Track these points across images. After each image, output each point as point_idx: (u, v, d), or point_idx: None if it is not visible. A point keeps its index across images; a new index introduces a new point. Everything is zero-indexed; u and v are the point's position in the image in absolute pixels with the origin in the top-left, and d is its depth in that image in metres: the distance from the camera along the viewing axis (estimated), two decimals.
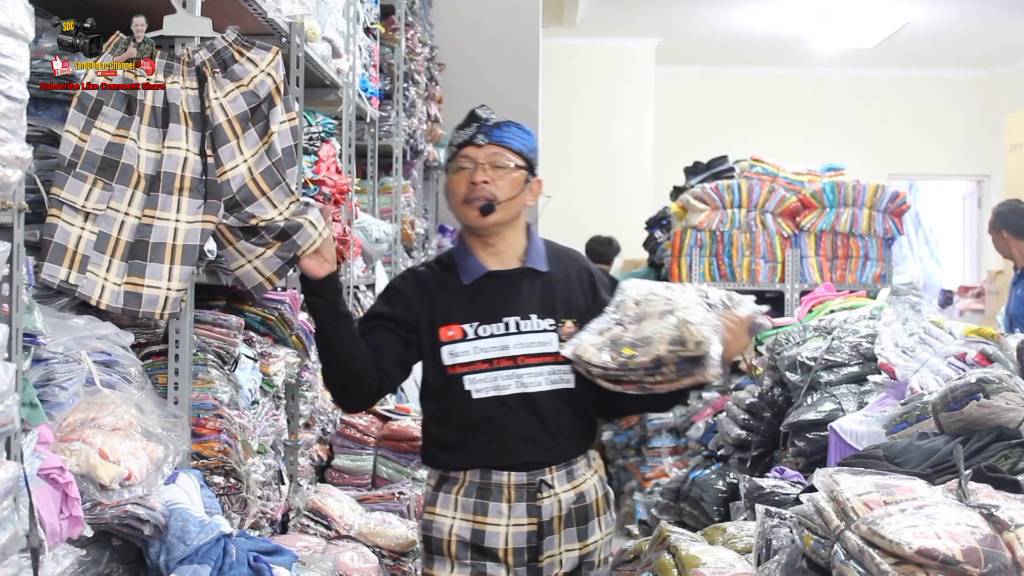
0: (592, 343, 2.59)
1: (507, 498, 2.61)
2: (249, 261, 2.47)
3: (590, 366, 2.57)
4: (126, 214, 2.32)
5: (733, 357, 2.67)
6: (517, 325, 2.63)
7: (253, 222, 2.43)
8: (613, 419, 2.83)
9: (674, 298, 2.67)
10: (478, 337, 2.62)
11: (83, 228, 2.26)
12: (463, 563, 2.61)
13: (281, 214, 2.46)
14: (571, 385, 2.64)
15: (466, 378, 2.61)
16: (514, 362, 2.62)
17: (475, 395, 2.60)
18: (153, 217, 2.34)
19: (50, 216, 2.24)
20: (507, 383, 2.61)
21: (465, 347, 2.62)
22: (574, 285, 2.73)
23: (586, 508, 2.67)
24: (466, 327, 2.62)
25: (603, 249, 8.39)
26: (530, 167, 2.68)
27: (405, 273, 2.79)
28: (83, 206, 2.26)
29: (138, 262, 2.32)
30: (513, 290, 2.66)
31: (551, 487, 2.63)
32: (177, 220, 2.35)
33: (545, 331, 2.64)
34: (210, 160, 2.39)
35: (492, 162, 2.63)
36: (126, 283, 2.32)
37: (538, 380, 2.62)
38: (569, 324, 2.66)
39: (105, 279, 2.30)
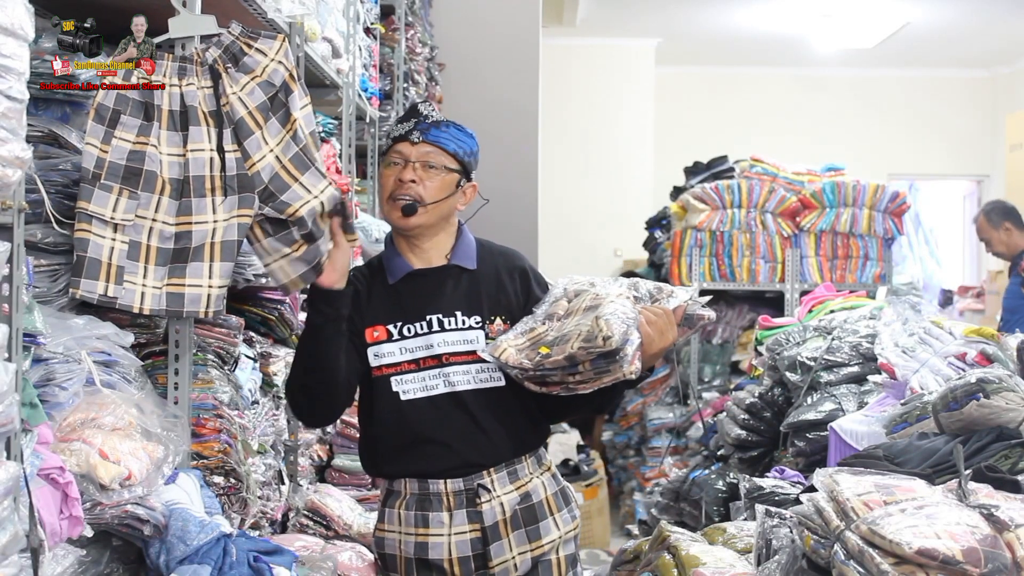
0: (513, 344, 2.49)
1: (447, 506, 2.56)
2: (275, 260, 2.46)
3: (508, 367, 2.49)
4: (154, 220, 2.32)
5: (658, 351, 2.51)
6: (441, 323, 2.56)
7: (289, 211, 2.40)
8: (555, 421, 2.74)
9: (601, 292, 2.57)
10: (403, 337, 2.55)
11: (114, 239, 2.27)
12: None
13: (316, 197, 2.42)
14: (500, 383, 2.55)
15: (393, 379, 2.55)
16: (440, 361, 2.54)
17: (403, 396, 2.54)
18: (190, 224, 2.34)
19: (80, 231, 2.23)
20: (435, 383, 2.54)
21: (391, 347, 2.55)
22: (504, 283, 2.64)
23: (533, 508, 2.60)
24: (390, 327, 2.55)
25: None
26: (465, 170, 2.58)
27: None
28: (112, 218, 2.26)
29: (178, 264, 2.33)
30: (437, 288, 2.58)
31: (490, 491, 2.56)
32: (215, 221, 2.36)
33: (471, 328, 2.57)
34: (237, 155, 2.38)
35: (424, 161, 2.53)
36: (167, 285, 2.33)
37: (465, 379, 2.55)
38: (498, 322, 2.58)
39: (143, 285, 2.31)
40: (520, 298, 2.64)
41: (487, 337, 2.56)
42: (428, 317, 2.56)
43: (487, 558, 2.57)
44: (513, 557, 2.58)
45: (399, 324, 2.56)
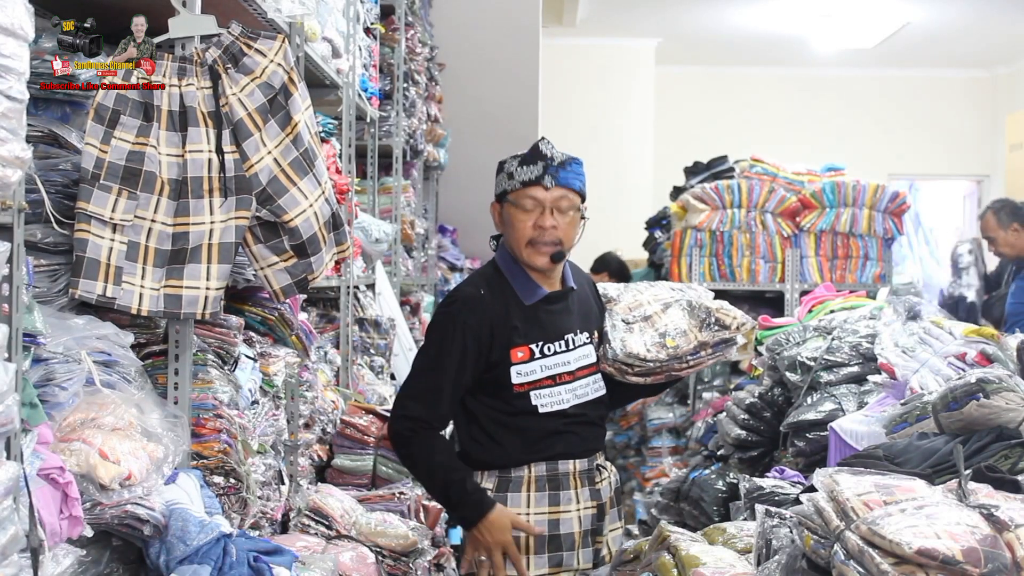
0: (633, 340, 2.82)
1: (574, 485, 2.78)
2: (261, 268, 2.47)
3: (639, 360, 2.80)
4: (152, 220, 2.32)
5: None
6: (573, 341, 2.81)
7: (286, 217, 2.41)
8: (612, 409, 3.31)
9: (659, 294, 2.99)
10: (543, 355, 2.76)
11: (113, 240, 2.27)
12: (540, 555, 2.77)
13: (311, 205, 2.44)
14: (604, 390, 2.88)
15: (533, 393, 2.76)
16: (572, 376, 2.81)
17: (542, 410, 2.76)
18: (187, 224, 2.34)
19: (79, 231, 2.23)
20: (567, 396, 2.79)
21: (532, 366, 2.75)
22: (590, 297, 2.95)
23: (622, 489, 3.07)
24: (532, 347, 2.76)
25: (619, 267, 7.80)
26: (583, 199, 2.84)
27: (460, 307, 2.78)
28: (111, 218, 2.25)
29: (176, 266, 2.33)
30: (565, 309, 2.83)
31: (604, 468, 2.87)
32: (212, 222, 2.35)
33: (586, 344, 2.84)
34: (236, 156, 2.38)
35: (558, 205, 2.73)
36: (165, 286, 2.33)
37: (587, 390, 2.82)
38: (596, 334, 2.88)
39: (142, 286, 2.30)
40: (599, 307, 2.96)
41: (596, 349, 2.87)
42: (565, 336, 2.81)
43: (598, 532, 2.83)
44: (607, 534, 2.87)
45: (540, 344, 2.77)
